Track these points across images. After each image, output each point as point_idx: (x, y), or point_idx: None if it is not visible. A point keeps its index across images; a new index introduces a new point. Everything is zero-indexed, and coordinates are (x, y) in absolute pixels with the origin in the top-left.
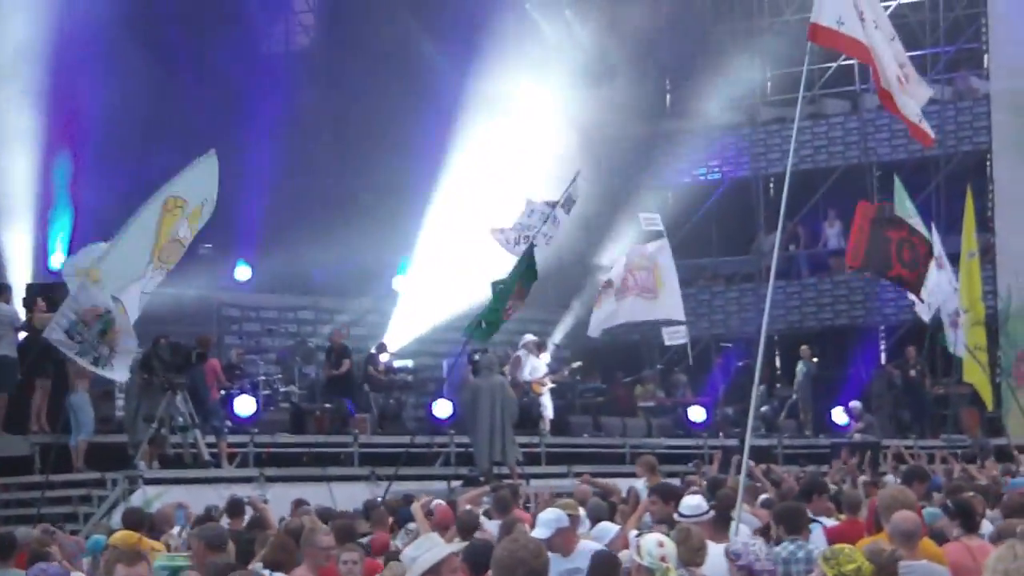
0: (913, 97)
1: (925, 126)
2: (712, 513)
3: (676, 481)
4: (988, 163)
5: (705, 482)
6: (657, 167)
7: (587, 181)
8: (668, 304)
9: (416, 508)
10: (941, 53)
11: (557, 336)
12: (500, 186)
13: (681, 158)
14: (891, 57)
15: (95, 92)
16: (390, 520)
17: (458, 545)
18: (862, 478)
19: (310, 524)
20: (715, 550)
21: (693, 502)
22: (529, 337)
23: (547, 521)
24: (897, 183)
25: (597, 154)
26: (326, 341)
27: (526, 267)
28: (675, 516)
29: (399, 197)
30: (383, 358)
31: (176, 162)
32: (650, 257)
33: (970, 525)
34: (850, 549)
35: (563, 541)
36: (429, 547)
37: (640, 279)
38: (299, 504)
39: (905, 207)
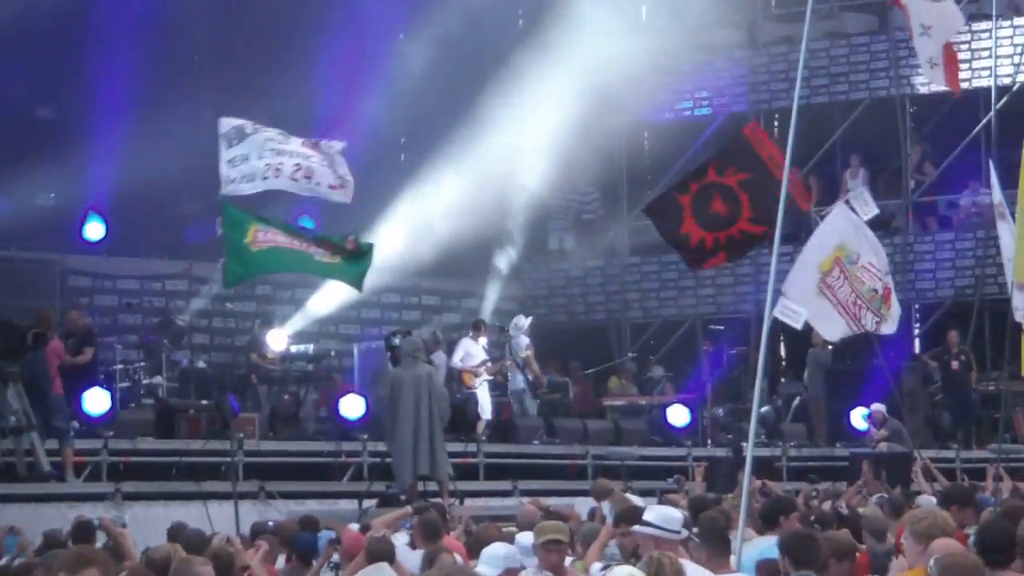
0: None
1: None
2: (684, 534)
3: (653, 501)
4: None
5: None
6: (630, 99)
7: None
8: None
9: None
10: None
11: (486, 311)
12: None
13: (661, 88)
14: None
15: None
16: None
17: None
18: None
19: (181, 554)
20: None
21: (668, 514)
22: (523, 320)
23: (493, 558)
24: None
25: (551, 80)
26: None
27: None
28: (635, 528)
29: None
30: (274, 342)
31: None
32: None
33: (1003, 559)
34: None
35: None
36: None
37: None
38: (180, 530)
39: None
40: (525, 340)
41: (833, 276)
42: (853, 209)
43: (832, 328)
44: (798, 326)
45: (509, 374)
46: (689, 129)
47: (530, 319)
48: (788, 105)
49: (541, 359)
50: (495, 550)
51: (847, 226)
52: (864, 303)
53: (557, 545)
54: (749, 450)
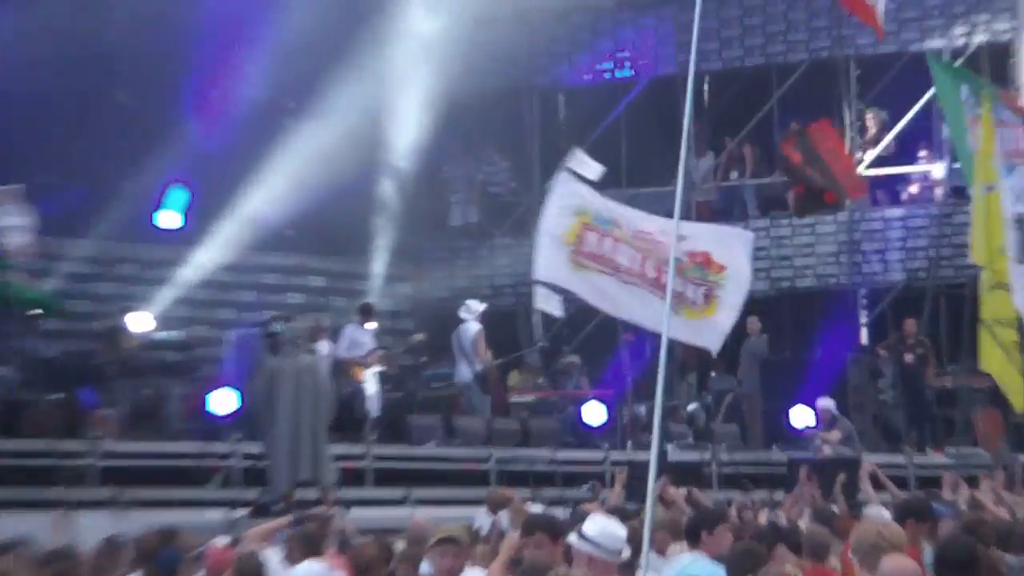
0: None
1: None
2: (626, 555)
3: (565, 511)
4: (1010, 58)
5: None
6: (544, 61)
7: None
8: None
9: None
10: None
11: (372, 294)
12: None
13: (578, 47)
14: None
15: None
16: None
17: None
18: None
19: (21, 568)
20: None
21: (610, 529)
22: (477, 304)
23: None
24: (937, 68)
25: (454, 40)
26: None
27: None
28: (570, 541)
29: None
30: (136, 325)
31: None
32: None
33: None
34: None
35: None
36: None
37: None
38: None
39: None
40: (476, 326)
41: (588, 243)
42: (578, 174)
43: (643, 310)
44: (559, 313)
45: (457, 365)
46: (609, 93)
47: (484, 305)
48: (720, 67)
49: (437, 348)
50: (308, 567)
51: (580, 190)
52: (690, 279)
53: (453, 545)
54: (653, 454)
